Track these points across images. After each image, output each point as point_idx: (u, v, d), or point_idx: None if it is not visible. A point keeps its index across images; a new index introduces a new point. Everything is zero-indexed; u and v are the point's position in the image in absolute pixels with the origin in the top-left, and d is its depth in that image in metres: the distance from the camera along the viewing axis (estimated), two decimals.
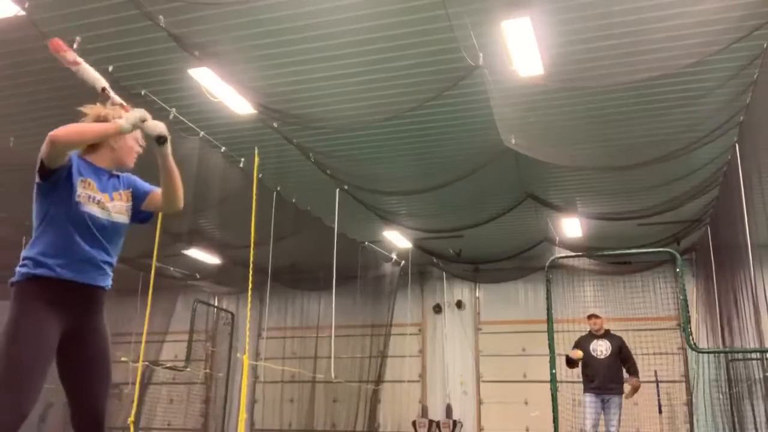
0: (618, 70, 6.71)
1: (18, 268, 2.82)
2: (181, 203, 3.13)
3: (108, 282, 2.99)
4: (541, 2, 5.72)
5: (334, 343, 10.99)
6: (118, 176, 3.12)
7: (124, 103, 2.98)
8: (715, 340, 11.82)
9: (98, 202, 2.92)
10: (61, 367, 2.88)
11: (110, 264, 2.99)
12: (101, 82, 2.97)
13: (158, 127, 2.90)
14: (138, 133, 3.06)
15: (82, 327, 2.87)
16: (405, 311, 14.71)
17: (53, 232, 2.83)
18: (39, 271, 2.77)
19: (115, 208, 2.99)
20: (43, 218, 2.87)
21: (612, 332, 8.64)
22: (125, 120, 2.84)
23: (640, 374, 8.57)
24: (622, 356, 8.35)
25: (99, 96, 3.00)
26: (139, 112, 2.87)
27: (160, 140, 2.90)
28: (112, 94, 2.96)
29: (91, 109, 3.03)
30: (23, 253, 2.85)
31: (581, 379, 8.48)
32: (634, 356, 8.64)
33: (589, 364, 8.27)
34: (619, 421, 8.10)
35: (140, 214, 3.14)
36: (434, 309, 15.31)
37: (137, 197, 3.13)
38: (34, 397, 2.67)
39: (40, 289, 2.76)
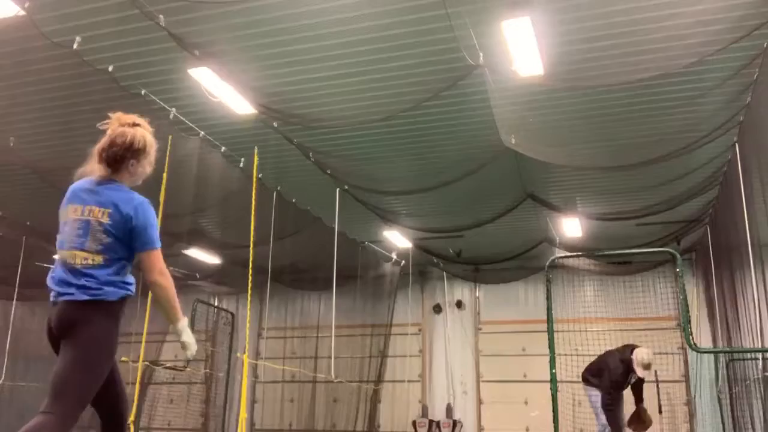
0: (618, 70, 6.71)
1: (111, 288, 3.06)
2: None
3: None
4: (541, 2, 5.72)
5: (334, 343, 10.99)
6: None
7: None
8: (715, 340, 11.82)
9: None
10: None
11: None
12: None
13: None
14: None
15: None
16: (405, 311, 14.72)
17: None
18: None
19: None
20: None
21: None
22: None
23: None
24: None
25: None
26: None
27: None
28: None
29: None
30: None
31: (580, 379, 8.43)
32: None
33: None
34: None
35: None
36: (434, 309, 15.31)
37: None
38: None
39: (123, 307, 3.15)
